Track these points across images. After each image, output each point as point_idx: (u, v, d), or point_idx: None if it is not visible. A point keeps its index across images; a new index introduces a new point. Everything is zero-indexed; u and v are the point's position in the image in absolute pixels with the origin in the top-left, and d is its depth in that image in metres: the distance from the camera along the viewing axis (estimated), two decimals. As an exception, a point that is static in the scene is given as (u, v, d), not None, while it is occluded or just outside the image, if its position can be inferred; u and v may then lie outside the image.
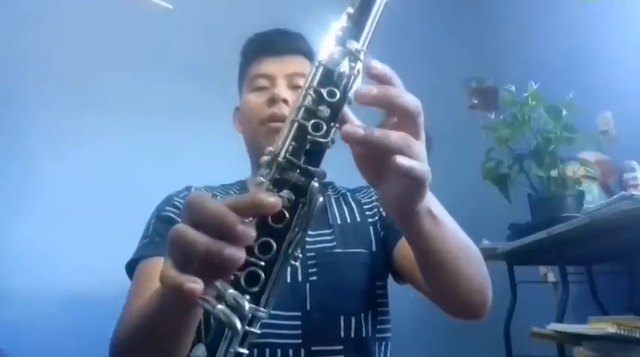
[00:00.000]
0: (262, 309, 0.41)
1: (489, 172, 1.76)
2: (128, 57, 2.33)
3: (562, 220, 1.47)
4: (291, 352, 0.78)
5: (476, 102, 2.66)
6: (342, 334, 0.81)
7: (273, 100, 0.91)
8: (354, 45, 0.46)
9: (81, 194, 2.11)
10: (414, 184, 0.51)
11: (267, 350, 0.78)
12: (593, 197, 1.65)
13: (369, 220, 0.93)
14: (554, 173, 1.64)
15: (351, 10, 0.48)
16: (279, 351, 0.78)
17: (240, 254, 0.40)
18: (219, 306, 0.40)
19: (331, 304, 0.82)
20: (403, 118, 0.49)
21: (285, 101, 0.91)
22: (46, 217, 2.06)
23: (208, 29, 2.42)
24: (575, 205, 1.58)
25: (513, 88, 1.76)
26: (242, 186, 1.01)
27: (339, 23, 0.48)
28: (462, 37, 2.72)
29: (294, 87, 0.94)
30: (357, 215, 0.93)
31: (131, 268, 0.85)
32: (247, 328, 0.40)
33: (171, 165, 2.21)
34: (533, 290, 1.87)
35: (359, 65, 0.47)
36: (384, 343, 0.88)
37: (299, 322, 0.80)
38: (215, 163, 2.21)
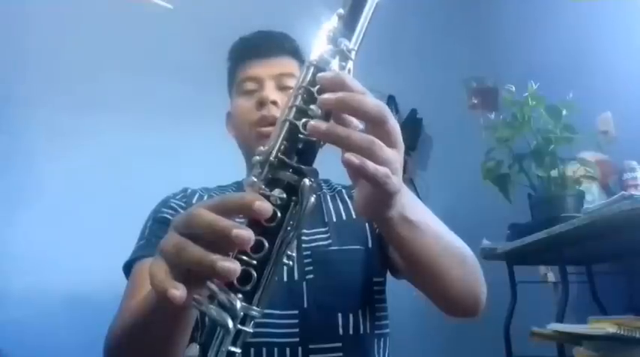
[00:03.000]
0: (255, 308, 0.41)
1: (489, 172, 1.76)
2: (128, 57, 2.33)
3: (562, 220, 1.47)
4: (288, 350, 0.78)
5: (476, 102, 2.65)
6: (341, 332, 0.81)
7: (261, 103, 0.91)
8: (344, 44, 0.46)
9: (80, 194, 2.11)
10: (377, 189, 0.49)
11: (265, 349, 0.77)
12: (593, 197, 1.64)
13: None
14: (554, 173, 1.64)
15: (342, 11, 0.48)
16: (276, 350, 0.78)
17: (233, 266, 0.40)
18: (211, 305, 0.40)
19: (328, 302, 0.82)
20: (370, 125, 0.48)
21: (274, 103, 0.91)
22: (46, 217, 2.06)
23: (208, 29, 2.42)
24: (575, 205, 1.58)
25: (513, 88, 1.76)
26: (238, 187, 1.01)
27: (330, 24, 0.48)
28: (462, 37, 2.71)
29: (283, 88, 0.93)
30: (352, 212, 0.93)
31: (128, 269, 0.85)
32: (240, 327, 0.41)
33: (171, 165, 2.21)
34: (533, 290, 1.87)
35: (350, 64, 0.47)
36: (382, 339, 0.87)
37: (296, 321, 0.80)
38: (215, 163, 2.21)
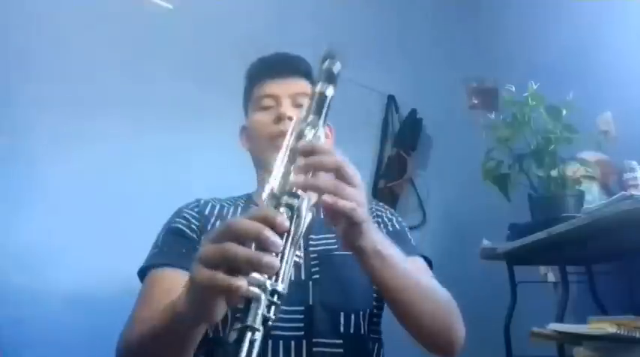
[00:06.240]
0: (280, 284, 0.54)
1: (489, 172, 1.75)
2: (128, 57, 2.33)
3: (562, 220, 1.47)
4: (293, 343, 0.84)
5: (476, 102, 2.65)
6: (342, 330, 0.88)
7: (279, 118, 1.00)
8: (312, 119, 0.68)
9: (82, 194, 2.11)
10: (348, 220, 0.65)
11: (270, 341, 0.83)
12: (593, 197, 1.64)
13: None
14: (554, 173, 1.64)
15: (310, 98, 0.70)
16: (281, 342, 0.84)
17: (276, 261, 0.53)
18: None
19: (332, 302, 0.88)
20: (335, 173, 0.64)
21: (290, 118, 0.99)
22: (47, 216, 2.06)
23: (208, 29, 2.42)
24: (575, 205, 1.57)
25: (513, 88, 1.76)
26: (248, 198, 1.09)
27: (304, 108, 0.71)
28: (461, 37, 2.72)
29: (298, 106, 1.03)
30: None
31: (142, 274, 0.93)
32: (270, 298, 0.52)
33: (171, 165, 2.22)
34: (533, 290, 1.87)
35: (319, 131, 0.67)
36: (377, 344, 0.95)
37: (302, 316, 0.86)
38: (216, 162, 2.21)
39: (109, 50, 2.31)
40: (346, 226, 0.66)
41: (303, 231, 0.58)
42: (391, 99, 2.66)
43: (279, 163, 0.63)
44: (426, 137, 2.65)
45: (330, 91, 0.70)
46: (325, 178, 0.63)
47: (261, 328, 0.50)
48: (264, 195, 0.60)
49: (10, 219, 2.04)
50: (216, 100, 2.32)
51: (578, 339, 1.40)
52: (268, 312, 0.52)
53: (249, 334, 0.50)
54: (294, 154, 0.64)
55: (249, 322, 0.51)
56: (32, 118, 2.16)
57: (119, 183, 2.14)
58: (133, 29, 2.35)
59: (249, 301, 0.52)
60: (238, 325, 0.51)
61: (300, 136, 0.66)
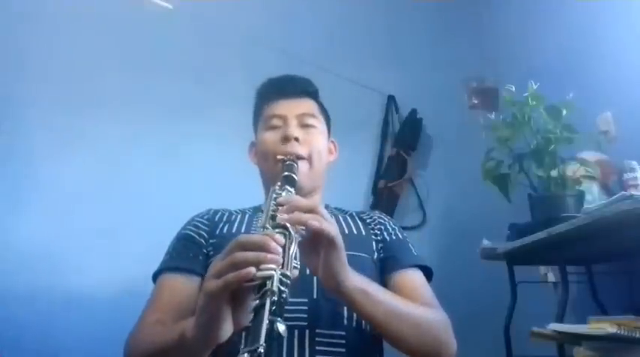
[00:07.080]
0: (286, 271, 0.68)
1: (489, 172, 1.75)
2: (128, 57, 2.33)
3: (562, 220, 1.47)
4: (296, 332, 0.88)
5: (476, 102, 2.65)
6: (345, 322, 0.92)
7: (286, 139, 1.06)
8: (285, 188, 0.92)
9: (81, 194, 2.11)
10: (328, 242, 0.77)
11: None
12: (593, 197, 1.64)
13: (372, 237, 1.08)
14: (554, 173, 1.64)
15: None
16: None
17: (277, 258, 0.68)
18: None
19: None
20: (310, 212, 0.78)
21: (296, 139, 1.06)
22: (46, 216, 2.06)
23: (208, 29, 2.42)
24: (575, 205, 1.57)
25: (513, 88, 1.76)
26: (255, 209, 1.15)
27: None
28: (461, 37, 2.72)
29: (304, 125, 1.10)
30: (362, 230, 1.09)
31: (155, 279, 1.01)
32: (281, 277, 0.66)
33: (170, 165, 2.21)
34: (533, 290, 1.87)
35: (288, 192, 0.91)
36: (377, 338, 0.97)
37: (306, 307, 0.91)
38: (215, 163, 2.21)
39: (109, 50, 2.31)
40: (327, 252, 0.77)
41: (296, 248, 0.74)
42: (391, 99, 2.66)
43: (266, 212, 0.82)
44: (426, 137, 2.65)
45: (292, 176, 0.95)
46: (306, 214, 0.77)
47: (278, 292, 0.62)
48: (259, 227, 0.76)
49: (9, 219, 2.04)
50: (216, 100, 2.33)
51: (578, 339, 1.40)
52: (281, 284, 0.64)
53: (268, 299, 0.60)
54: (276, 205, 0.82)
55: (267, 287, 0.62)
56: (32, 118, 2.16)
57: (119, 183, 2.14)
58: (133, 29, 2.35)
59: (263, 285, 0.63)
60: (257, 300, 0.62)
61: (277, 197, 0.86)
